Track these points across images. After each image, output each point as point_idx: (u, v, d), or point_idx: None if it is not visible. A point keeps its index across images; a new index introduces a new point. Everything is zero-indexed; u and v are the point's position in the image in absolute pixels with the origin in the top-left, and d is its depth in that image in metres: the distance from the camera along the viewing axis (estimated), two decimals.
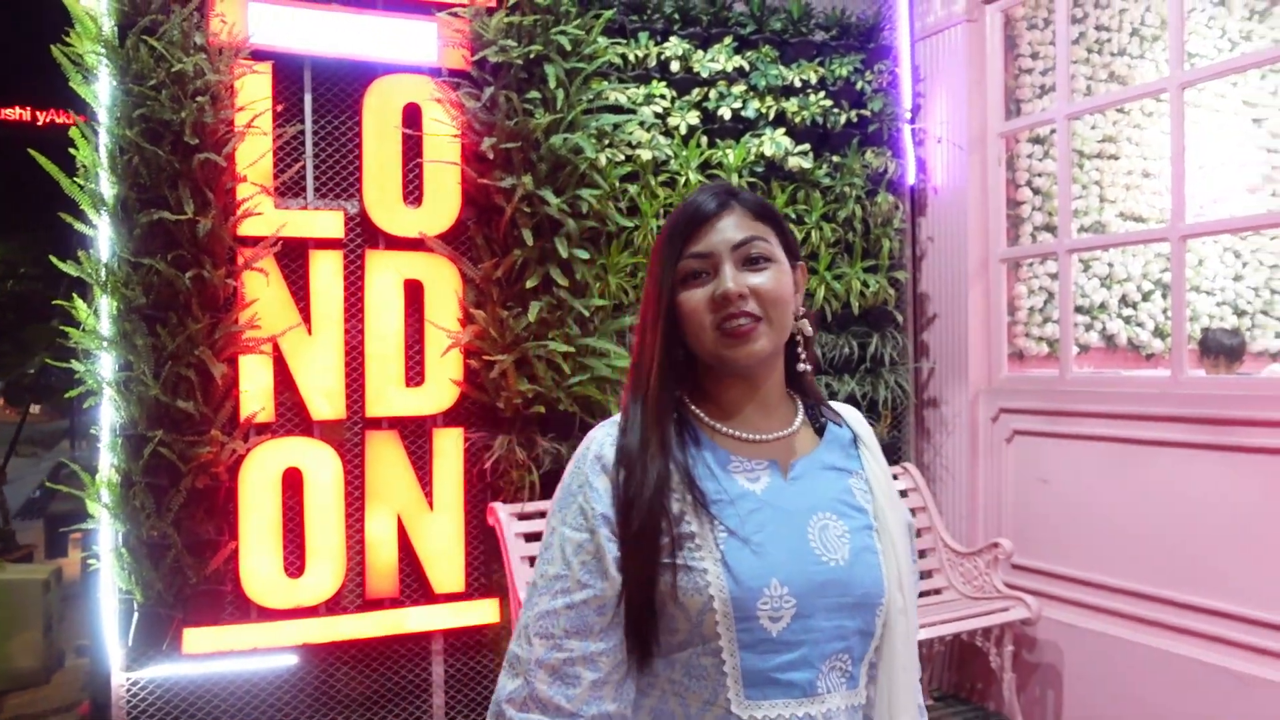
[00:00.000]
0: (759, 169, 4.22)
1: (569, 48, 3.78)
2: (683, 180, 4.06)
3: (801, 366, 1.38)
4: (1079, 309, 4.83)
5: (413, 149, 3.79)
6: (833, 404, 1.46)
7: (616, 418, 1.36)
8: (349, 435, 3.77)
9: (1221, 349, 5.03)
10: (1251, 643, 3.39)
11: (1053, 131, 4.54)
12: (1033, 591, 4.07)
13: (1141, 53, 5.11)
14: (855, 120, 4.45)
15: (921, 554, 4.40)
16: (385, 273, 3.75)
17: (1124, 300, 5.04)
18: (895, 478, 4.39)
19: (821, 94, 4.36)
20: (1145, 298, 5.07)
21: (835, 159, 4.41)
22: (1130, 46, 5.08)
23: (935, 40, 4.64)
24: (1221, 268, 5.42)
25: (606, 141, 3.90)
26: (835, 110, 4.39)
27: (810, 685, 1.24)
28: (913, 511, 4.38)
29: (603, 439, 1.33)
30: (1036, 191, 4.71)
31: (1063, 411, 4.15)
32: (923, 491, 4.48)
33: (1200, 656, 3.54)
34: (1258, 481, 3.41)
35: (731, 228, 1.30)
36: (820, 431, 1.39)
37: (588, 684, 1.20)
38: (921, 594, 4.22)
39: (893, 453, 4.69)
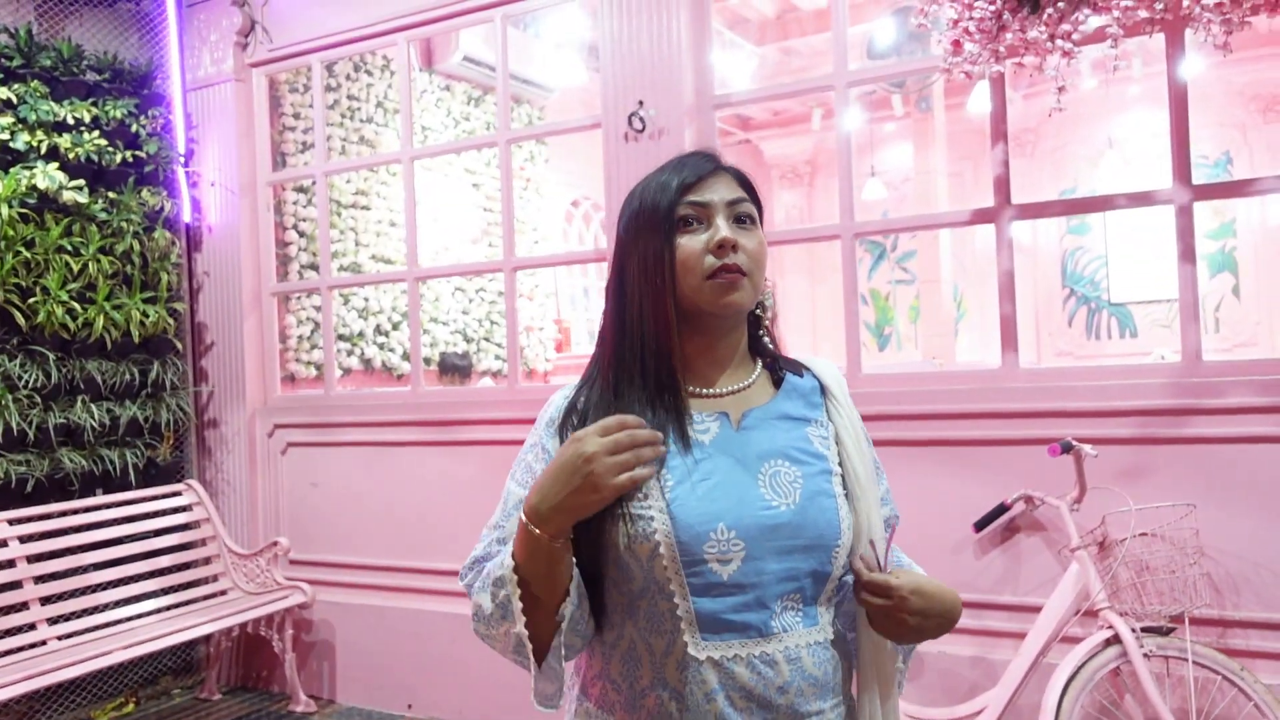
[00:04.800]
0: (31, 200, 4.28)
1: None
2: None
3: (765, 339, 1.47)
4: (341, 337, 5.62)
5: None
6: (809, 358, 1.52)
7: (577, 381, 1.44)
8: None
9: (455, 368, 6.21)
10: None
11: (314, 183, 5.27)
12: (310, 581, 4.71)
13: (386, 122, 6.09)
14: (132, 160, 4.71)
15: (206, 560, 4.80)
16: None
17: (378, 329, 5.95)
18: (178, 494, 4.76)
19: (96, 133, 4.55)
20: (395, 327, 6.04)
21: (112, 195, 4.62)
22: (376, 116, 6.04)
23: (207, 93, 5.09)
24: (454, 303, 6.63)
25: None
26: (111, 149, 4.60)
27: (764, 625, 1.30)
28: (196, 524, 4.78)
29: (559, 402, 1.44)
30: (302, 234, 5.40)
31: (328, 424, 4.86)
32: (206, 505, 4.87)
33: (439, 609, 4.49)
34: (473, 465, 4.45)
35: (725, 187, 1.39)
36: (778, 384, 1.45)
37: None
38: (206, 596, 4.63)
39: (175, 472, 5.00)
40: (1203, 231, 8.51)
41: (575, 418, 1.40)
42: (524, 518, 1.26)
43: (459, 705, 4.39)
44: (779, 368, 1.46)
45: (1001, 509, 3.31)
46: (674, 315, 1.35)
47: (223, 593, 4.73)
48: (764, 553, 1.29)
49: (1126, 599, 3.11)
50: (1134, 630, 2.94)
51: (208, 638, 4.66)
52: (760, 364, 1.46)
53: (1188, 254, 3.22)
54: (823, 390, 1.46)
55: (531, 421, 4.40)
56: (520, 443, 4.47)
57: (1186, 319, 3.22)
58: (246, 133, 5.09)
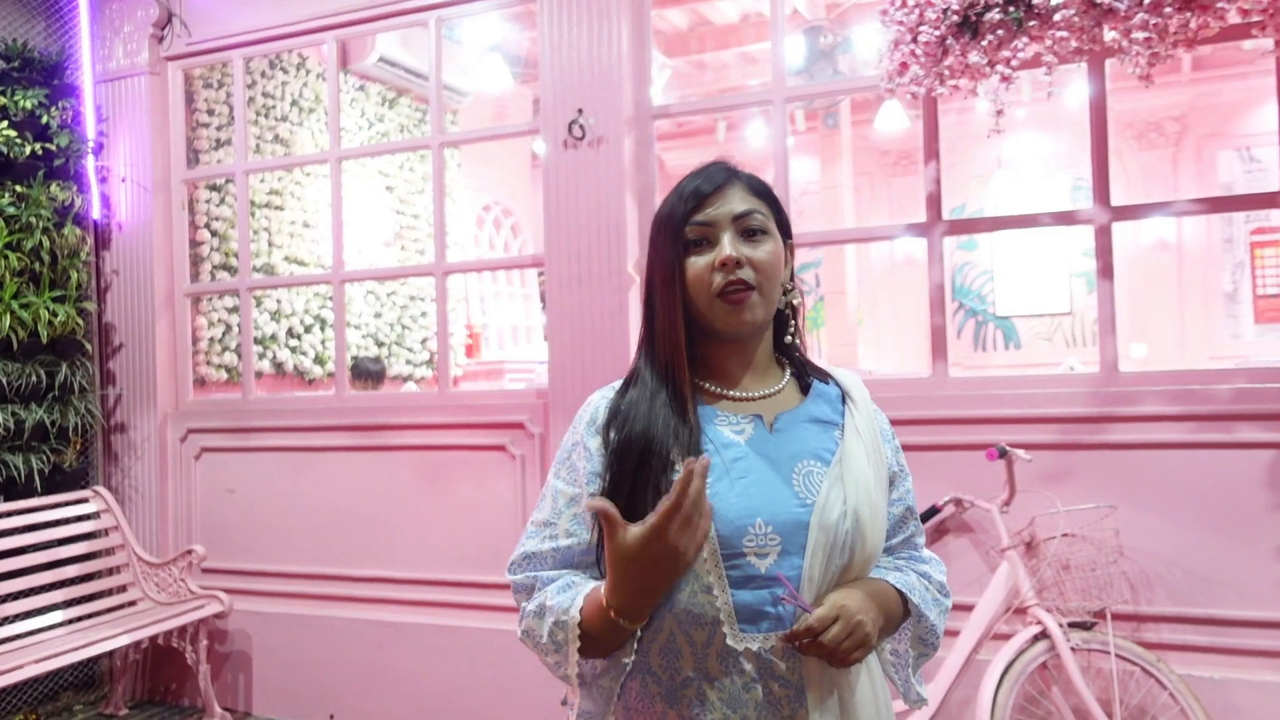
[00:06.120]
0: None
1: None
2: None
3: (788, 339, 1.52)
4: (254, 340, 5.47)
5: None
6: (833, 368, 1.58)
7: (615, 383, 1.49)
8: None
9: (368, 374, 6.11)
10: (402, 597, 4.36)
11: (229, 181, 5.14)
12: (227, 590, 4.57)
13: (300, 121, 5.97)
14: (41, 153, 4.51)
15: (114, 570, 4.61)
16: None
17: (290, 332, 5.82)
18: (85, 501, 4.57)
19: (5, 123, 4.35)
20: (308, 330, 5.92)
21: (20, 189, 4.42)
22: (291, 114, 5.91)
23: (119, 85, 4.90)
24: (365, 306, 6.54)
25: None
26: (20, 141, 4.40)
27: (799, 616, 1.34)
28: (104, 532, 4.60)
29: (598, 402, 1.48)
30: (214, 234, 5.25)
31: (246, 428, 4.74)
32: (115, 512, 4.68)
33: (363, 616, 4.42)
34: (397, 470, 4.40)
35: (733, 200, 1.42)
36: (806, 390, 1.51)
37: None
38: (115, 607, 4.45)
39: (81, 479, 4.80)
40: (1080, 249, 8.99)
41: (618, 418, 1.43)
42: (616, 615, 1.29)
43: (384, 715, 4.33)
44: (806, 374, 1.53)
45: (933, 511, 3.45)
46: (683, 335, 1.41)
47: (132, 603, 4.55)
48: (799, 548, 1.35)
49: (1051, 596, 3.28)
50: (1061, 626, 3.10)
51: (113, 650, 4.48)
52: (788, 370, 1.52)
53: (1106, 271, 3.43)
54: (845, 397, 1.52)
55: (462, 426, 4.37)
56: (452, 447, 4.43)
57: (1105, 331, 3.42)
58: (161, 128, 4.92)
